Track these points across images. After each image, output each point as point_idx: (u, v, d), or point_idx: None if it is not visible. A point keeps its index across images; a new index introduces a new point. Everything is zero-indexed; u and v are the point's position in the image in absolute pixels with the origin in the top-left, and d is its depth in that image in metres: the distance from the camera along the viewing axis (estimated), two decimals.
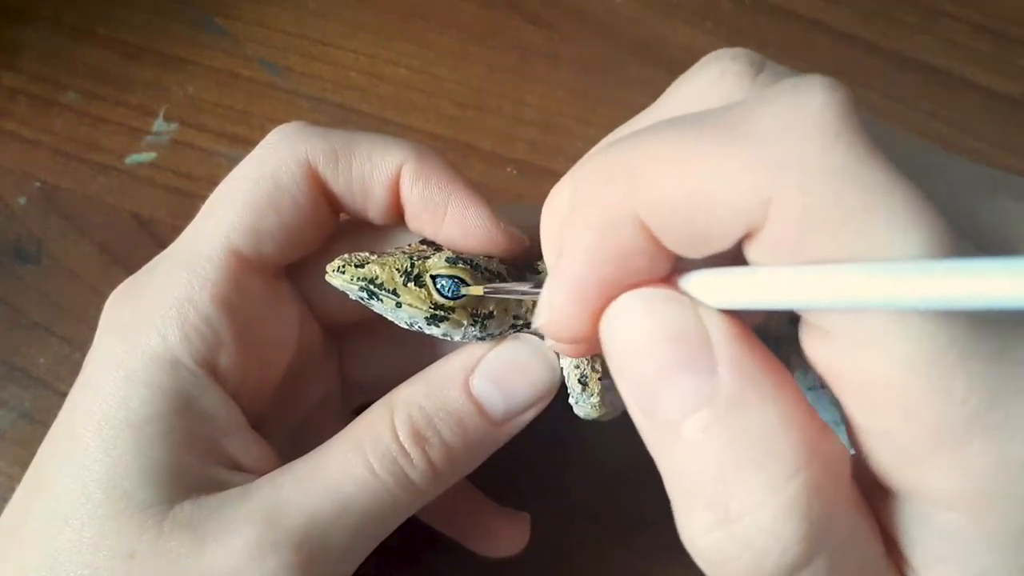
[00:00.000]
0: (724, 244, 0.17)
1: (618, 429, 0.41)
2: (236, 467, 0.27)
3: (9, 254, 0.43)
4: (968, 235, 0.17)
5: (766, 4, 0.49)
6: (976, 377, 0.15)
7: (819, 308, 0.16)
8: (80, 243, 0.43)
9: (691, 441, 0.17)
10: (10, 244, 0.43)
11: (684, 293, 0.18)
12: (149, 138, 0.45)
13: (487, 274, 0.28)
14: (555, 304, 0.19)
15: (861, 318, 0.16)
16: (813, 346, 0.17)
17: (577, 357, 0.28)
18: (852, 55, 0.49)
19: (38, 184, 0.44)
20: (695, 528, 0.17)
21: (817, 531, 0.16)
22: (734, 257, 0.17)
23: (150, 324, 0.27)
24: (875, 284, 0.15)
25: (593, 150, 0.22)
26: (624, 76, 0.47)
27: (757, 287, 0.17)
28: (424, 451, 0.27)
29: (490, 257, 0.29)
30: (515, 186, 0.45)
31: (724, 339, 0.17)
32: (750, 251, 0.17)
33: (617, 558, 0.40)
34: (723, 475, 0.17)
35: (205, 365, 0.27)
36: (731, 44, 0.52)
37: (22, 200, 0.44)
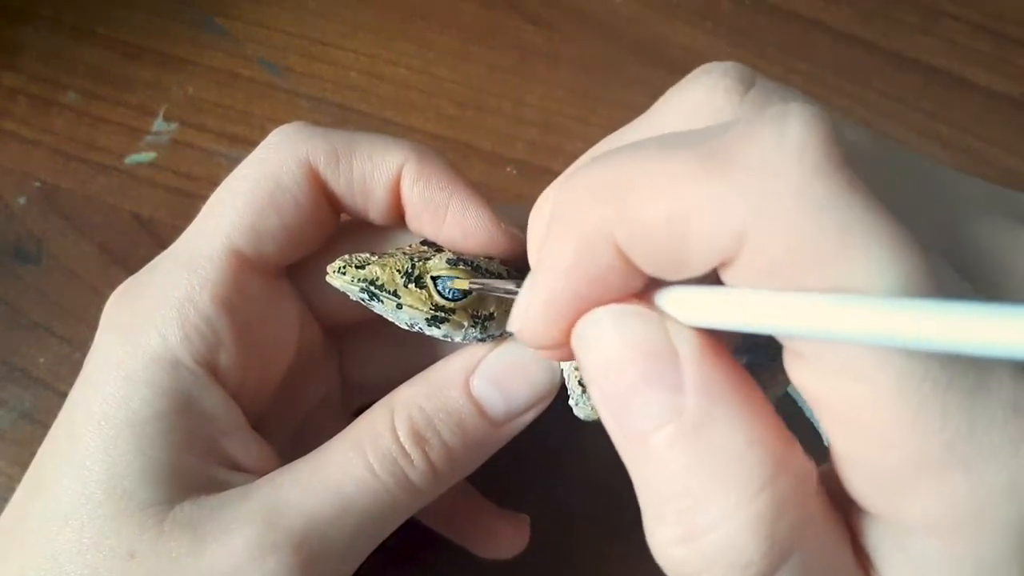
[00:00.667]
0: (699, 271, 0.17)
1: None
2: (236, 467, 0.27)
3: (9, 254, 0.43)
4: (957, 258, 0.17)
5: (766, 4, 0.49)
6: (952, 409, 0.15)
7: (785, 334, 0.17)
8: (80, 243, 0.43)
9: (659, 455, 0.17)
10: (10, 244, 0.43)
11: (658, 309, 0.18)
12: (149, 138, 0.45)
13: (487, 275, 0.28)
14: (529, 313, 0.19)
15: (836, 346, 0.16)
16: (793, 369, 0.17)
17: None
18: (852, 55, 0.49)
19: (38, 184, 0.44)
20: (661, 539, 0.18)
21: (781, 547, 0.16)
22: (712, 280, 0.18)
23: (150, 324, 0.27)
24: (842, 318, 0.15)
25: (580, 160, 0.22)
26: (624, 76, 0.47)
27: (729, 308, 0.17)
28: (424, 452, 0.27)
29: (491, 258, 0.29)
30: (515, 186, 0.45)
31: (692, 356, 0.17)
32: (725, 276, 0.17)
33: (617, 558, 0.40)
34: (689, 490, 0.17)
35: (205, 365, 0.27)
36: (731, 44, 0.52)
37: (22, 200, 0.44)
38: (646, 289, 0.19)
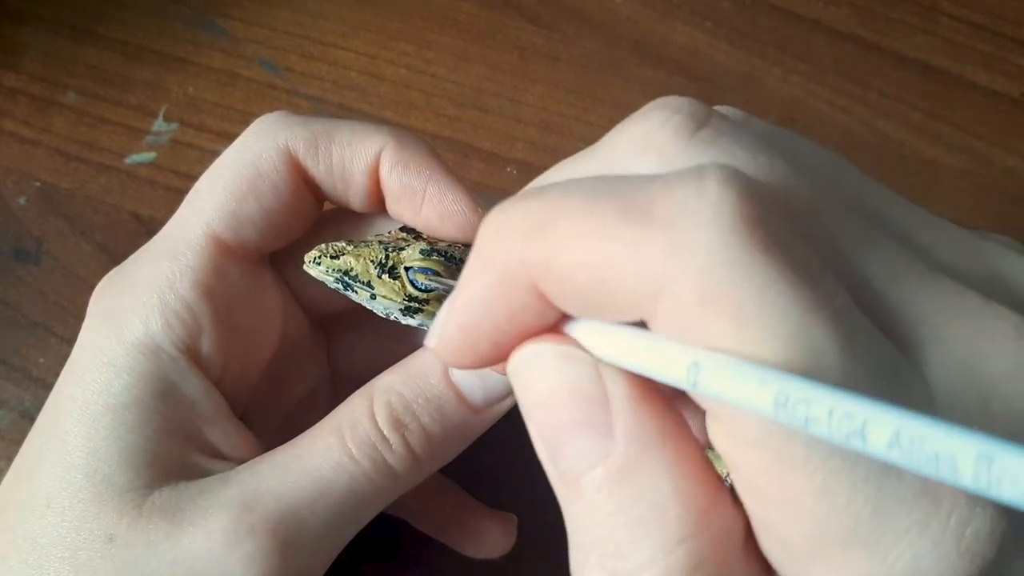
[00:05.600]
0: (622, 319, 0.17)
1: None
2: (217, 455, 0.27)
3: (9, 254, 0.43)
4: (879, 310, 0.17)
5: (766, 4, 0.49)
6: (859, 486, 0.15)
7: (678, 387, 0.16)
8: (80, 243, 0.43)
9: (587, 497, 0.17)
10: (10, 244, 0.43)
11: (573, 340, 0.18)
12: (149, 138, 0.45)
13: (462, 265, 0.28)
14: (445, 334, 0.20)
15: (746, 412, 0.16)
16: (711, 430, 0.17)
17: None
18: (852, 55, 0.49)
19: (38, 184, 0.44)
20: None
21: None
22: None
23: (132, 311, 0.27)
24: (721, 378, 0.15)
25: (529, 185, 0.22)
26: (624, 76, 0.47)
27: (631, 348, 0.17)
28: (403, 436, 0.27)
29: (468, 246, 0.29)
30: (515, 186, 0.45)
31: (623, 400, 0.17)
32: (651, 328, 0.17)
33: None
34: (613, 535, 0.17)
35: (186, 351, 0.27)
36: (731, 44, 0.52)
37: (22, 200, 0.44)
38: (561, 320, 0.19)
